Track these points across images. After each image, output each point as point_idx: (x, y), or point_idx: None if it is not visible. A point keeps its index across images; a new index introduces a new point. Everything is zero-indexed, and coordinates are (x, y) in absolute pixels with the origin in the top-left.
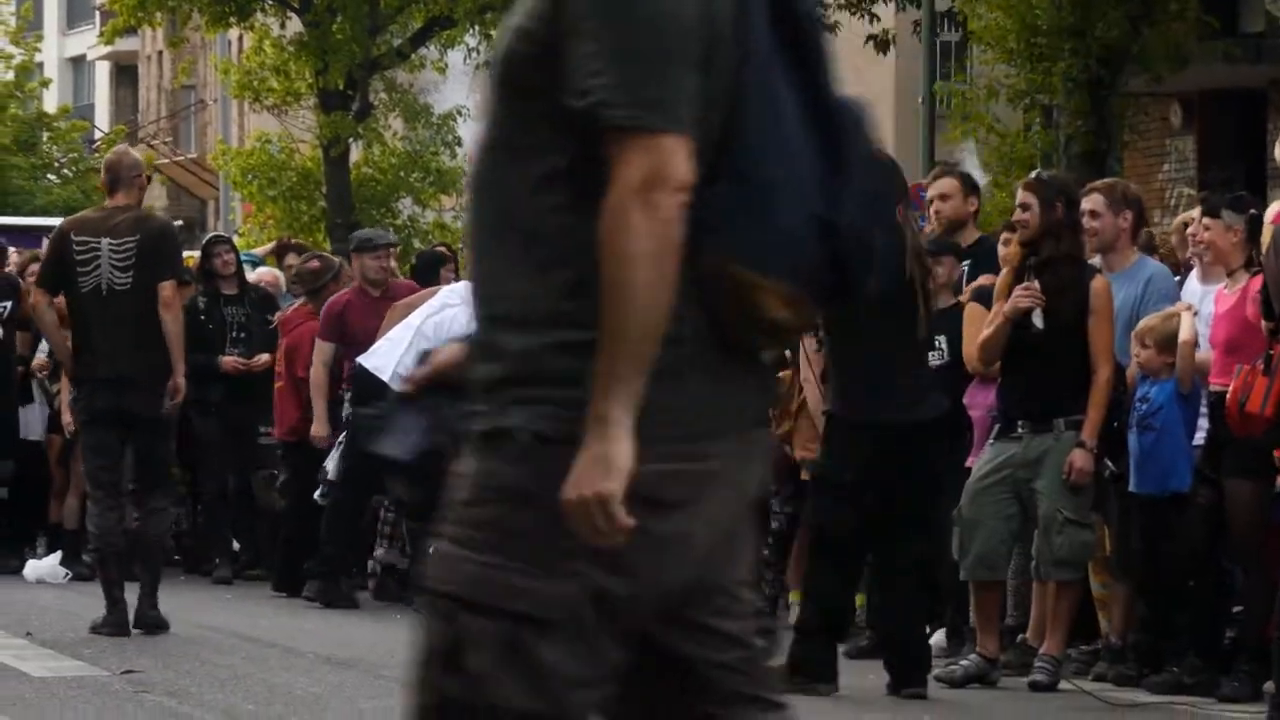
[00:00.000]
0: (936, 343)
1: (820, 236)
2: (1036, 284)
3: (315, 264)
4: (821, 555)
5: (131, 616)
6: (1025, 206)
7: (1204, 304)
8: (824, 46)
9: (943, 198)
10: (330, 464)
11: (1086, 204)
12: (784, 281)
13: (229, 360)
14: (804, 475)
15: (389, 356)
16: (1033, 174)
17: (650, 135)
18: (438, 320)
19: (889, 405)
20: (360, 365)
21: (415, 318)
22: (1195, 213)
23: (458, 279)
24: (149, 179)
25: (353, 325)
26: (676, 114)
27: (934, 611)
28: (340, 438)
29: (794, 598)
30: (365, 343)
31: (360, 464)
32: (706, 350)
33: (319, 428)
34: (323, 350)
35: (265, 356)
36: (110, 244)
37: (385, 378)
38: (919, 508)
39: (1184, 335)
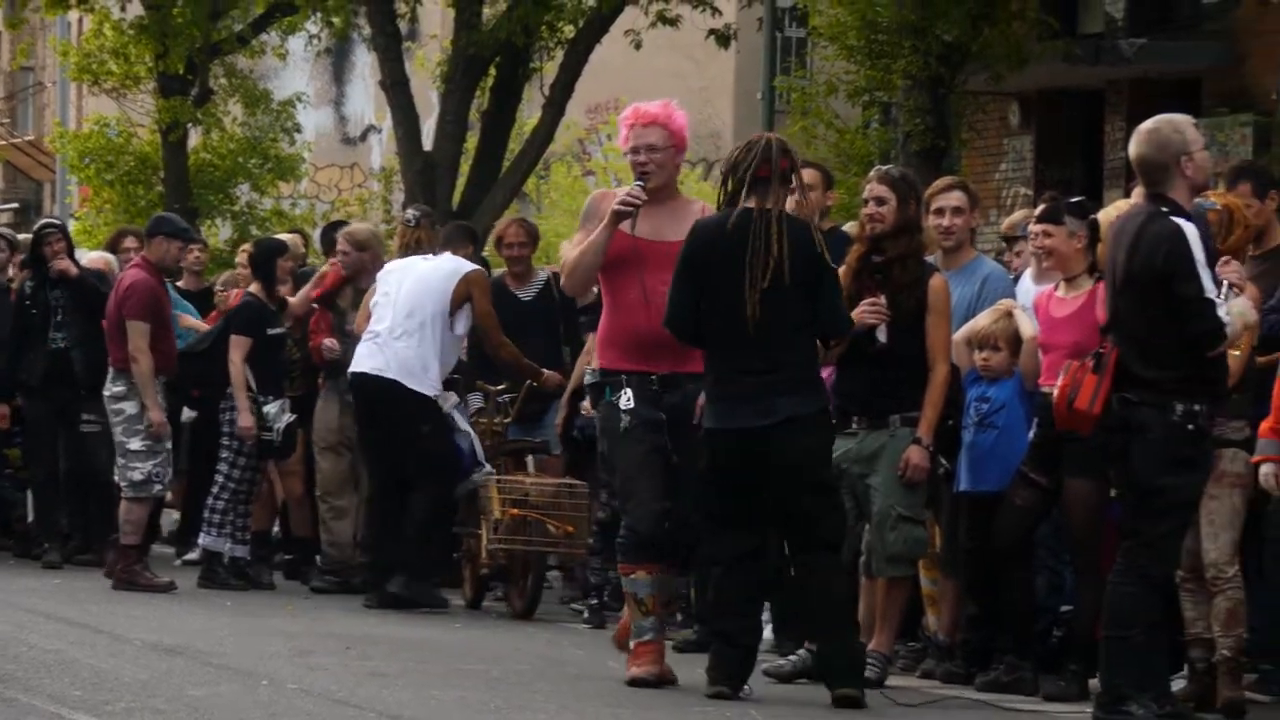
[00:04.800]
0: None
1: None
2: (883, 300)
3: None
4: (705, 563)
5: None
6: (881, 200)
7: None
8: None
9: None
10: None
11: (951, 200)
12: None
13: None
14: None
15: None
16: (885, 169)
17: None
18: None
19: (721, 415)
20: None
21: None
22: (1021, 215)
23: (303, 267)
24: None
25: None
26: None
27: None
28: None
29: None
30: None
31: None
32: None
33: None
34: (145, 333)
35: None
36: None
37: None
38: (797, 502)
39: (1028, 332)
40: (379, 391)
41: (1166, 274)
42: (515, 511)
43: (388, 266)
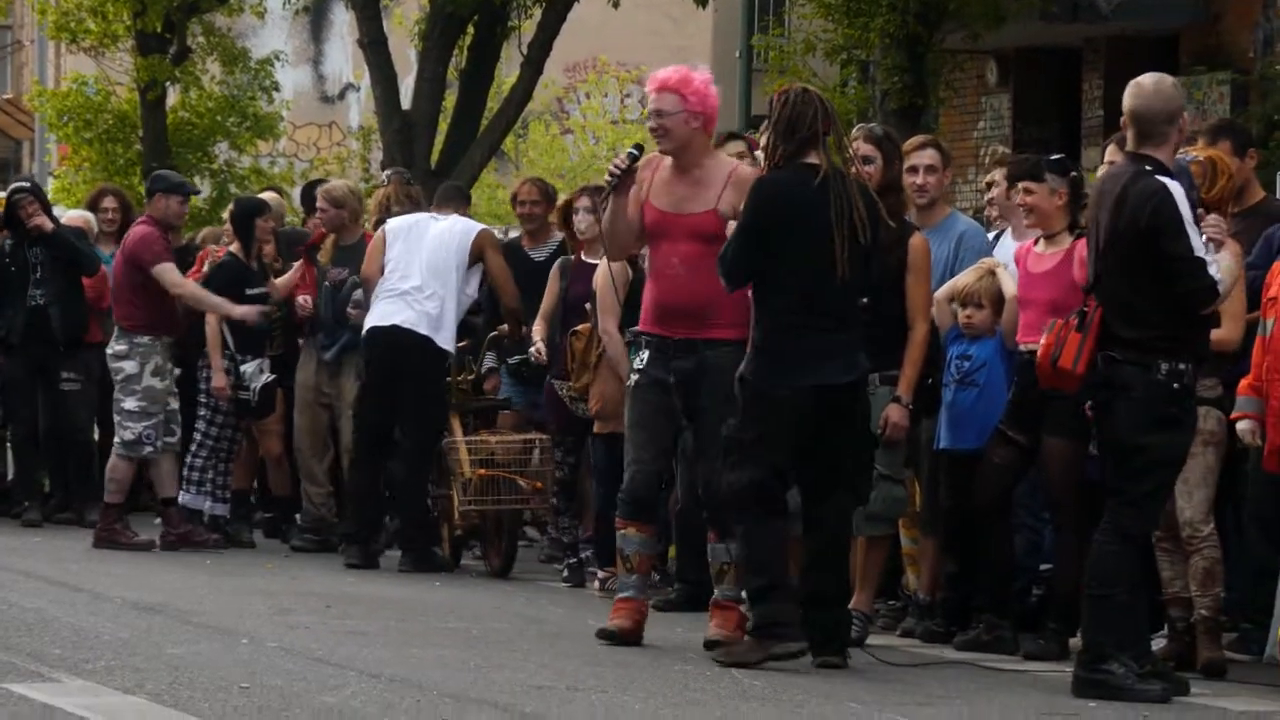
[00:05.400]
0: None
1: None
2: None
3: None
4: (742, 519)
5: None
6: (868, 159)
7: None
8: None
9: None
10: None
11: (925, 158)
12: None
13: None
14: (598, 428)
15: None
16: (869, 127)
17: None
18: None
19: (797, 371)
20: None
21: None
22: (997, 174)
23: (283, 226)
24: None
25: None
26: None
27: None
28: None
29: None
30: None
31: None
32: None
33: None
34: (173, 269)
35: None
36: None
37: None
38: (842, 465)
39: (1011, 291)
40: (411, 345)
41: (1153, 232)
42: (483, 471)
43: (395, 223)
